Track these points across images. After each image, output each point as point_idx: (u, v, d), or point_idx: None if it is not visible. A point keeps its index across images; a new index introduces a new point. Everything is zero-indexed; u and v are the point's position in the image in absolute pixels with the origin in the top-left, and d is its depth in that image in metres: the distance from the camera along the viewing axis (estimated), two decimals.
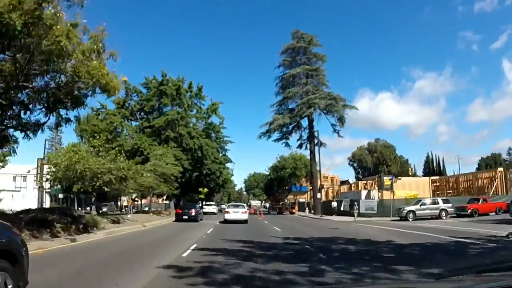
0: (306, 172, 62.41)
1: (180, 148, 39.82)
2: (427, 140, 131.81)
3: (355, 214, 32.48)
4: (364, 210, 37.30)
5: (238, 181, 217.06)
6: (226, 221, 26.07)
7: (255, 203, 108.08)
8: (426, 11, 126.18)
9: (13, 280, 3.97)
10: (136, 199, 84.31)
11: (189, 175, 40.55)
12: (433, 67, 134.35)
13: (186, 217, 28.02)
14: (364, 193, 40.40)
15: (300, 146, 49.51)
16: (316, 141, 46.40)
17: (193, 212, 28.64)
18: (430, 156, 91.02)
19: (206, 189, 59.63)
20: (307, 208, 48.73)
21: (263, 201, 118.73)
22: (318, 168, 45.27)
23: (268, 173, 75.06)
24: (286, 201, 58.29)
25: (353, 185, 55.34)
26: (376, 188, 40.88)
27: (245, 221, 26.01)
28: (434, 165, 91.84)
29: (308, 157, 52.35)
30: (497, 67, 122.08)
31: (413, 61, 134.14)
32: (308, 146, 48.11)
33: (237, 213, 26.75)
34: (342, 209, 39.65)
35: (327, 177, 72.83)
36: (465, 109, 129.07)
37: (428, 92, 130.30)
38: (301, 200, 65.43)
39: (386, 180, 37.93)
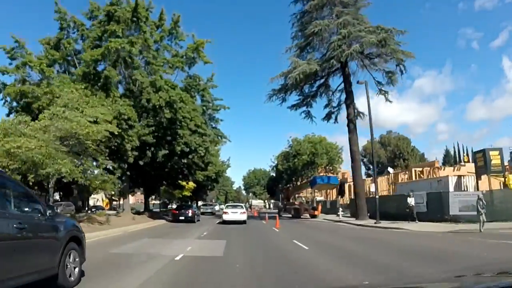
0: (329, 159, 46.03)
1: (137, 106, 23.37)
2: (427, 138, 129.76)
3: (482, 220, 16.05)
4: (459, 211, 21.34)
5: (237, 179, 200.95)
6: (224, 222, 24.49)
7: (256, 202, 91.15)
8: (426, 8, 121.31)
9: (79, 256, 5.96)
10: (114, 198, 66.81)
11: (152, 154, 23.90)
12: (433, 65, 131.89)
13: (182, 217, 27.22)
14: (452, 180, 23.93)
15: (328, 116, 33.07)
16: (354, 109, 30.00)
17: (190, 212, 27.79)
18: (456, 146, 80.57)
19: (192, 183, 43.47)
20: (340, 209, 32.17)
21: (266, 200, 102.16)
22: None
23: (274, 164, 58.29)
24: (303, 199, 41.83)
25: (401, 174, 39.03)
26: (468, 171, 24.37)
27: (243, 222, 24.56)
28: (461, 157, 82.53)
29: (331, 140, 36.22)
30: (497, 65, 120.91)
31: (412, 59, 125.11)
32: (337, 117, 32.06)
33: (235, 213, 25.39)
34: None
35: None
36: (465, 107, 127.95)
37: (428, 90, 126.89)
38: (318, 199, 48.87)
39: (494, 155, 21.72)
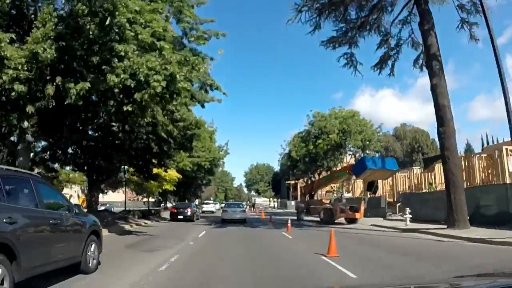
0: (363, 139, 33.53)
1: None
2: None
3: None
4: None
5: (238, 175, 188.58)
6: (224, 221, 23.91)
7: (261, 201, 78.56)
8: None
9: (98, 248, 7.17)
10: (94, 193, 53.58)
11: (58, 90, 11.28)
12: None
13: (181, 216, 26.86)
14: None
15: (381, 62, 20.64)
16: (436, 39, 17.62)
17: (188, 211, 27.24)
18: (485, 137, 72.42)
19: (174, 173, 31.37)
20: (408, 211, 19.53)
21: (271, 198, 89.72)
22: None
23: (286, 152, 45.56)
24: (334, 195, 29.46)
25: (476, 157, 26.45)
26: None
27: (243, 220, 24.01)
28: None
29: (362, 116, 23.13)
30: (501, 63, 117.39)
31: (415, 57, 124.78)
32: (394, 65, 19.84)
33: (235, 212, 24.91)
34: None
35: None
36: (467, 106, 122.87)
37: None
38: (346, 195, 36.39)
39: None
